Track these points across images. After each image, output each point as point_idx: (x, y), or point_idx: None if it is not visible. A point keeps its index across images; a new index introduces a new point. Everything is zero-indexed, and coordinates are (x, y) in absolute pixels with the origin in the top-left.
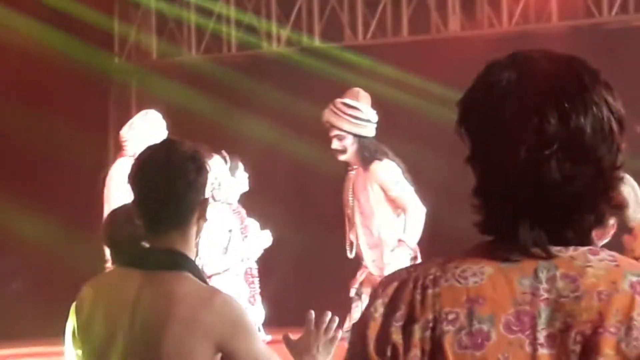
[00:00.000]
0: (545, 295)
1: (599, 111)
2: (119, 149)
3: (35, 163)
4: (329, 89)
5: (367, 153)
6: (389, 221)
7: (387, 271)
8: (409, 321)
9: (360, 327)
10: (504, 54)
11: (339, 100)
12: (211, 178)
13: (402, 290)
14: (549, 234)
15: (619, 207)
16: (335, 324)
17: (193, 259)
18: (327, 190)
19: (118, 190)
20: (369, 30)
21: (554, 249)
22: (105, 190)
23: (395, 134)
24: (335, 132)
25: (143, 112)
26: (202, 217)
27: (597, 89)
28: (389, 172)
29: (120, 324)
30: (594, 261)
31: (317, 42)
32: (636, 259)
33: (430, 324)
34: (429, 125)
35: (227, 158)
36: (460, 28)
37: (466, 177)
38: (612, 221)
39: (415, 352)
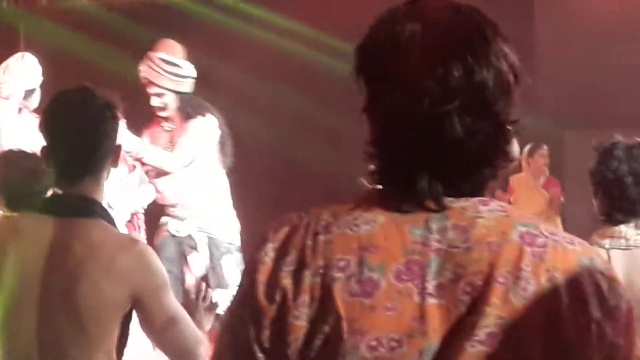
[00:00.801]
0: (436, 245)
1: (500, 65)
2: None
3: None
4: (222, 38)
5: (190, 109)
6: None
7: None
8: (300, 267)
9: (249, 271)
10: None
11: (155, 55)
12: None
13: (293, 235)
14: (445, 187)
15: (512, 161)
16: (210, 293)
17: (103, 205)
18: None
19: None
20: None
21: (447, 200)
22: None
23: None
24: (155, 90)
25: (19, 55)
26: (114, 163)
27: (497, 41)
28: (212, 127)
29: (35, 271)
30: (484, 212)
31: None
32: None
33: (321, 270)
34: (322, 76)
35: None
36: None
37: (358, 128)
38: None
39: (305, 297)
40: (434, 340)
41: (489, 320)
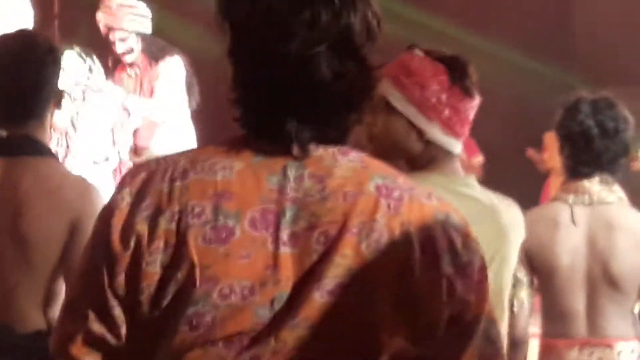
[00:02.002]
0: (292, 194)
1: (364, 9)
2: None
3: None
4: None
5: (155, 50)
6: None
7: None
8: (155, 212)
9: (105, 216)
10: None
11: (110, 1)
12: (77, 75)
13: (150, 180)
14: (312, 132)
15: (375, 107)
16: None
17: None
18: None
19: None
20: None
21: (309, 147)
22: None
23: None
24: (118, 35)
25: None
26: (57, 106)
27: None
28: (181, 67)
29: None
30: (342, 161)
31: None
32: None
33: (176, 216)
34: None
35: (82, 53)
36: None
37: None
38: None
39: (159, 243)
40: (286, 289)
41: (339, 270)
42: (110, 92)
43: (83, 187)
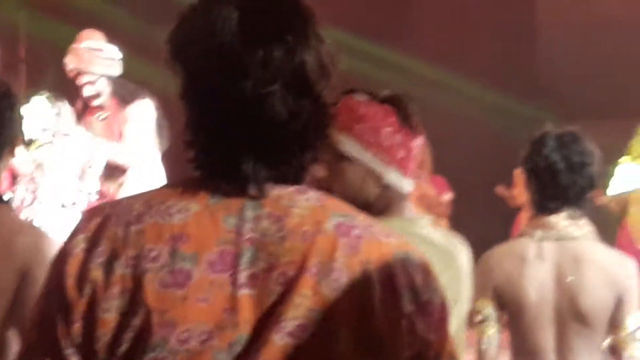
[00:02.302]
0: (250, 234)
1: (318, 46)
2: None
3: None
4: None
5: (125, 93)
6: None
7: None
8: (111, 258)
9: (58, 263)
10: None
11: (79, 45)
12: (45, 121)
13: (104, 225)
14: (268, 171)
15: (331, 146)
16: None
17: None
18: None
19: None
20: None
21: (266, 187)
22: None
23: None
24: (87, 78)
25: None
26: (11, 153)
27: (313, 24)
28: (151, 109)
29: None
30: (300, 200)
31: None
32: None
33: (132, 262)
34: None
35: (51, 98)
36: None
37: None
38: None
39: (115, 290)
40: (244, 332)
41: (299, 311)
42: (78, 136)
43: (35, 235)
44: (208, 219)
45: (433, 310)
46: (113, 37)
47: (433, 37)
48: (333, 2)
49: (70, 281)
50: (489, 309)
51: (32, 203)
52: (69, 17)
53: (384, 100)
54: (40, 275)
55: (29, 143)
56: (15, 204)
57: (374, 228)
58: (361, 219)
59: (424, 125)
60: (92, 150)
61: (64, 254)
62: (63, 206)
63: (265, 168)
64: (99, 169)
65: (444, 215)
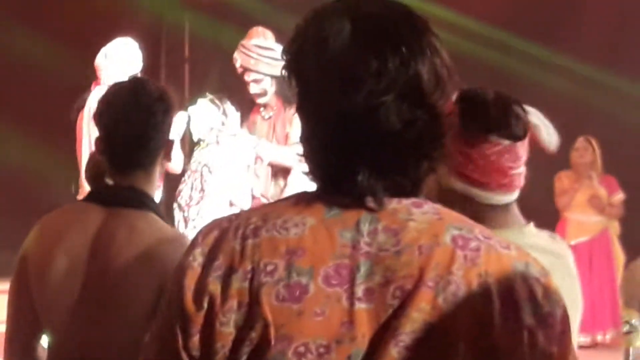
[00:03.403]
0: (366, 248)
1: (433, 57)
2: (170, 86)
3: None
4: None
5: (289, 92)
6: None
7: None
8: (228, 272)
9: (177, 277)
10: None
11: (248, 42)
12: (211, 121)
13: (222, 239)
14: (384, 182)
15: (449, 156)
16: None
17: (154, 198)
18: None
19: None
20: None
21: (383, 199)
22: (81, 120)
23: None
24: (252, 77)
25: (119, 40)
26: (167, 158)
27: (428, 34)
28: None
29: (79, 257)
30: (417, 214)
31: None
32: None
33: (249, 275)
34: (469, 65)
35: (215, 100)
36: None
37: None
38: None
39: (232, 303)
40: (362, 345)
41: (416, 325)
42: (243, 137)
43: (177, 246)
44: (324, 233)
45: (554, 322)
46: (277, 38)
47: (597, 39)
48: (499, 2)
49: (189, 294)
50: (636, 320)
51: (199, 202)
52: (232, 18)
53: (458, 100)
54: None
55: (195, 143)
56: (181, 201)
57: (492, 240)
58: (478, 231)
59: (589, 127)
60: (257, 150)
61: (181, 268)
62: (231, 204)
63: (381, 179)
64: (263, 169)
65: (616, 217)
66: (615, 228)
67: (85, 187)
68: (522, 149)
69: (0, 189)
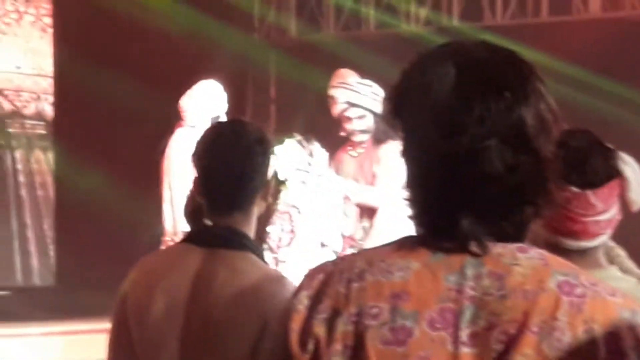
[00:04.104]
0: (471, 292)
1: (537, 101)
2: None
3: None
4: None
5: (382, 133)
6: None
7: None
8: (333, 315)
9: (284, 320)
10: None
11: (350, 79)
12: (298, 162)
13: (327, 282)
14: (488, 227)
15: (555, 201)
16: None
17: (252, 239)
18: None
19: (177, 161)
20: (508, 10)
21: (487, 243)
22: (165, 161)
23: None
24: (358, 113)
25: (204, 82)
26: (264, 198)
27: (533, 79)
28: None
29: (179, 297)
30: (522, 259)
31: (455, 22)
32: None
33: (354, 318)
34: (568, 111)
35: (302, 141)
36: (601, 9)
37: None
38: (615, 211)
39: (337, 346)
40: None
41: None
42: (331, 178)
43: (279, 286)
44: (429, 276)
45: None
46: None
47: None
48: (594, 46)
49: (294, 337)
50: None
51: (290, 243)
52: (317, 59)
53: None
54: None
55: (282, 183)
56: (272, 243)
57: (598, 287)
58: (584, 277)
59: None
60: (345, 191)
61: (288, 311)
62: (323, 245)
63: (484, 224)
64: (352, 209)
65: None
66: None
67: (169, 230)
68: (598, 197)
69: (85, 228)
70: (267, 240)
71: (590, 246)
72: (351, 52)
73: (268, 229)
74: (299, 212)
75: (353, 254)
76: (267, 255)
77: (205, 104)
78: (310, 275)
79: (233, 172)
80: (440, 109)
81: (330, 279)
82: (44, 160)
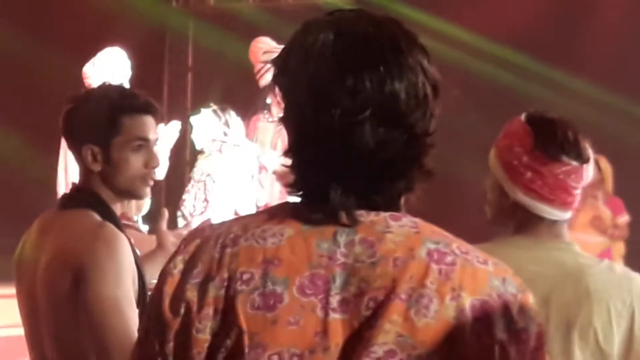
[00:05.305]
0: (342, 259)
1: (414, 76)
2: (173, 94)
3: None
4: None
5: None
6: None
7: None
8: (206, 279)
9: (158, 284)
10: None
11: (275, 45)
12: (214, 131)
13: (203, 247)
14: (357, 199)
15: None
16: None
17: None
18: None
19: None
20: None
21: (358, 214)
22: None
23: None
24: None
25: (108, 49)
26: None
27: (413, 53)
28: None
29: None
30: (394, 227)
31: None
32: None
33: (225, 283)
34: (481, 84)
35: (218, 111)
36: None
37: None
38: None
39: (208, 310)
40: (335, 355)
41: (388, 337)
42: (247, 146)
43: (94, 236)
44: (301, 243)
45: (528, 339)
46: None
47: (606, 60)
48: (510, 22)
49: (166, 301)
50: None
51: (203, 212)
52: (236, 28)
53: (532, 122)
54: (94, 278)
55: (198, 152)
56: (185, 211)
57: (469, 255)
58: (456, 245)
59: (600, 149)
60: (261, 160)
61: (163, 275)
62: (236, 215)
63: (354, 197)
64: (268, 179)
65: (621, 238)
66: (619, 249)
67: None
68: (587, 171)
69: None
70: (181, 208)
71: (566, 218)
72: (269, 21)
73: (183, 197)
74: (213, 181)
75: (230, 220)
76: (181, 223)
77: (106, 71)
78: (187, 239)
79: None
80: (316, 78)
81: (206, 244)
82: None
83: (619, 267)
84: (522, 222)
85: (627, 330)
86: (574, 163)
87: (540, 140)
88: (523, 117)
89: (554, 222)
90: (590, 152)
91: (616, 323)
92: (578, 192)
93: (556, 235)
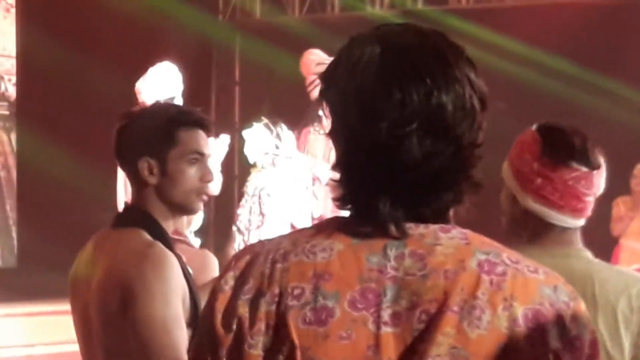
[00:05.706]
0: (392, 273)
1: (461, 88)
2: (220, 108)
3: None
4: None
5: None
6: None
7: None
8: (257, 295)
9: (210, 300)
10: (602, 22)
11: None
12: (265, 145)
13: (253, 263)
14: (406, 212)
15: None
16: None
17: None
18: None
19: None
20: None
21: (407, 227)
22: None
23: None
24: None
25: (159, 64)
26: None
27: (460, 65)
28: None
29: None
30: (444, 239)
31: (420, 6)
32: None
33: (276, 299)
34: (530, 94)
35: (270, 124)
36: None
37: None
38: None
39: (260, 326)
40: None
41: (442, 349)
42: (300, 159)
43: (142, 258)
44: (351, 257)
45: (582, 346)
46: None
47: None
48: (558, 31)
49: (219, 317)
50: None
51: (259, 226)
52: (283, 42)
53: (542, 130)
54: (144, 298)
55: (250, 166)
56: (241, 225)
57: (520, 264)
58: (506, 255)
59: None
60: (314, 171)
61: (214, 292)
62: (292, 227)
63: (402, 209)
64: (321, 190)
65: None
66: None
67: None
68: (597, 178)
69: (48, 209)
70: (237, 222)
71: (578, 225)
72: (316, 35)
73: (238, 211)
74: (268, 194)
75: (280, 235)
76: (237, 237)
77: (159, 86)
78: (237, 256)
79: None
80: (363, 92)
81: (256, 260)
82: (7, 141)
83: (630, 271)
84: (534, 232)
85: (638, 335)
86: (584, 169)
87: (548, 146)
88: (534, 126)
89: (564, 230)
90: (601, 159)
91: (624, 327)
92: (590, 199)
93: (567, 243)
